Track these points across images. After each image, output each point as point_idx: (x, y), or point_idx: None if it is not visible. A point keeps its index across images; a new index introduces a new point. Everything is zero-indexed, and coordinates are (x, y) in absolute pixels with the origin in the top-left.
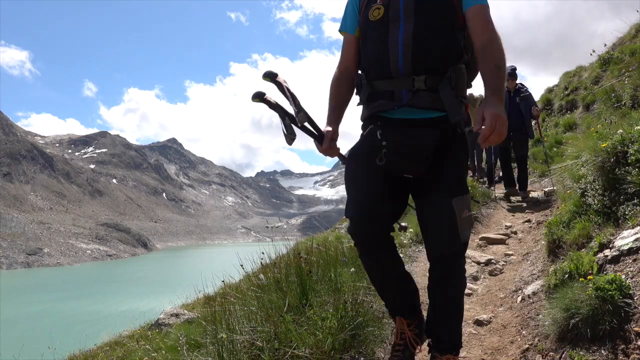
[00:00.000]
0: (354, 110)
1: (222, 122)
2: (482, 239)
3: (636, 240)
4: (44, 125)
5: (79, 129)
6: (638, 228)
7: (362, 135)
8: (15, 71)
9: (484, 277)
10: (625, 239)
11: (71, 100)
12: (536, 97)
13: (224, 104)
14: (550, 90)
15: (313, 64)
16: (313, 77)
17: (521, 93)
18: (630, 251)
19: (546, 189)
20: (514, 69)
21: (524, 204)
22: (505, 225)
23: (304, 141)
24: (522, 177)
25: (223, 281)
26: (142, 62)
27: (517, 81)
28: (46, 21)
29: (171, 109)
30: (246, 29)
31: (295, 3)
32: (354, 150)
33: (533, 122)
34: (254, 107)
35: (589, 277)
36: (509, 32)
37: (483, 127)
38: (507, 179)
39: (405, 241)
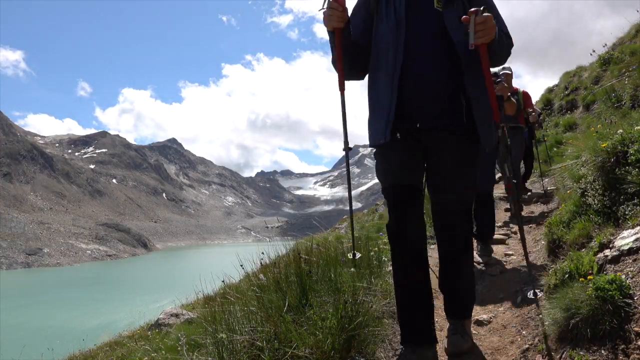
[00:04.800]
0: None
1: (218, 123)
2: None
3: (636, 240)
4: (42, 125)
5: (77, 129)
6: (638, 228)
7: None
8: (10, 71)
9: (484, 277)
10: (625, 239)
11: (67, 101)
12: (536, 97)
13: (219, 105)
14: (550, 90)
15: (308, 64)
16: (311, 77)
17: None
18: (630, 251)
19: (547, 188)
20: None
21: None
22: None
23: (300, 141)
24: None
25: (223, 281)
26: (135, 62)
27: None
28: (39, 21)
29: (167, 109)
30: (238, 32)
31: (285, 7)
32: None
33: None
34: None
35: (589, 277)
36: None
37: None
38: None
39: None
